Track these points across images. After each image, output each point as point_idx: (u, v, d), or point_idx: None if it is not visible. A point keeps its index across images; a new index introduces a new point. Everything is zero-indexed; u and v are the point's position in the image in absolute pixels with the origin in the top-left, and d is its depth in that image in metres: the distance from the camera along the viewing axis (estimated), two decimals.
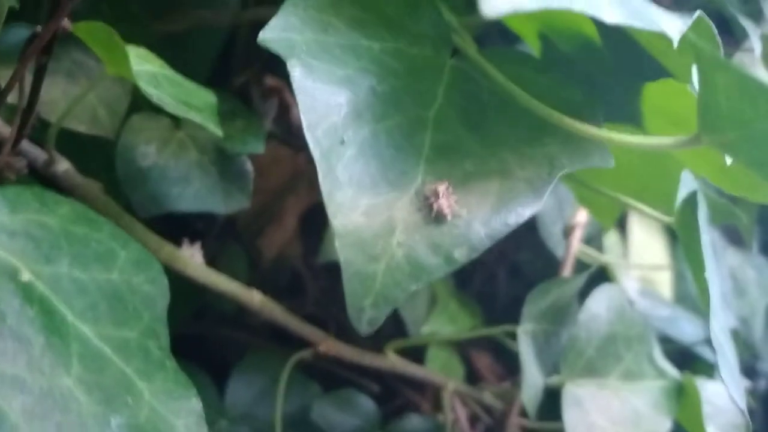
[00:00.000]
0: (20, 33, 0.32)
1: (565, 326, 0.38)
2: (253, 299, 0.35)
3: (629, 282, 0.52)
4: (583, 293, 0.43)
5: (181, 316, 0.50)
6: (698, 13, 0.23)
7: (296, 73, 0.20)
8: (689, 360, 0.59)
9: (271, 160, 0.59)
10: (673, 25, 0.21)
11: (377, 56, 0.21)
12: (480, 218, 0.20)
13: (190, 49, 0.52)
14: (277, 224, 0.61)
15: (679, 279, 0.60)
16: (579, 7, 0.18)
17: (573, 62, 0.28)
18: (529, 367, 0.35)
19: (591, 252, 0.49)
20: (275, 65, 0.58)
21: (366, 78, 0.21)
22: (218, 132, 0.28)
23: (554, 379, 0.38)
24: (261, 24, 0.23)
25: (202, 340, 0.56)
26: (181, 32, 0.48)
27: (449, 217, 0.20)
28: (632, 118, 0.28)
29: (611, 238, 0.53)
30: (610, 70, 0.28)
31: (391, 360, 0.41)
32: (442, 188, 0.20)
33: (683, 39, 0.21)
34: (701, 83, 0.20)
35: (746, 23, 0.49)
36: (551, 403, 0.42)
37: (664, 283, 0.59)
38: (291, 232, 0.62)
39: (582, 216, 0.47)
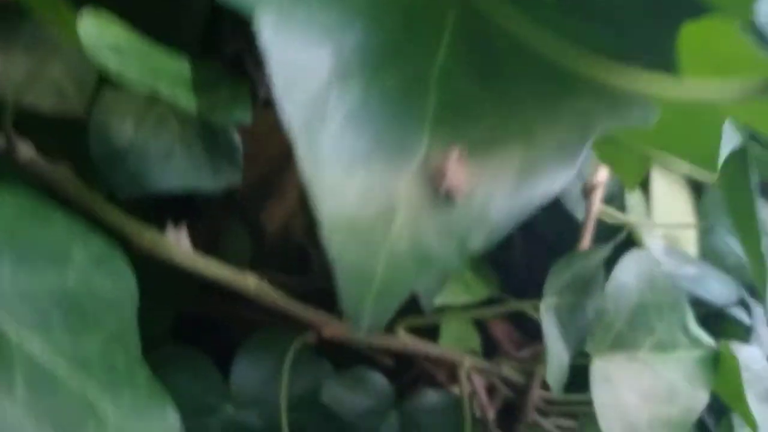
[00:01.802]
0: None
1: (591, 298, 0.35)
2: (247, 284, 0.32)
3: (654, 241, 0.49)
4: (608, 258, 0.40)
5: (183, 296, 0.48)
6: None
7: (266, 28, 0.16)
8: (717, 320, 0.56)
9: (269, 129, 0.56)
10: None
11: (365, 1, 0.17)
12: (500, 194, 0.16)
13: (173, 17, 0.48)
14: (278, 197, 0.59)
15: (703, 235, 0.57)
16: None
17: (595, 3, 0.24)
18: (553, 345, 0.32)
19: (613, 212, 0.46)
20: None
21: (353, 28, 0.17)
22: (191, 106, 0.24)
23: (581, 356, 0.35)
24: None
25: (207, 320, 0.54)
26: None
27: (462, 192, 0.17)
28: (667, 65, 0.24)
29: (634, 197, 0.50)
30: (640, 9, 0.24)
31: (403, 339, 0.38)
32: (452, 157, 0.17)
33: None
34: None
35: None
36: (574, 374, 0.39)
37: (689, 240, 0.56)
38: (294, 204, 0.59)
39: (603, 174, 0.43)
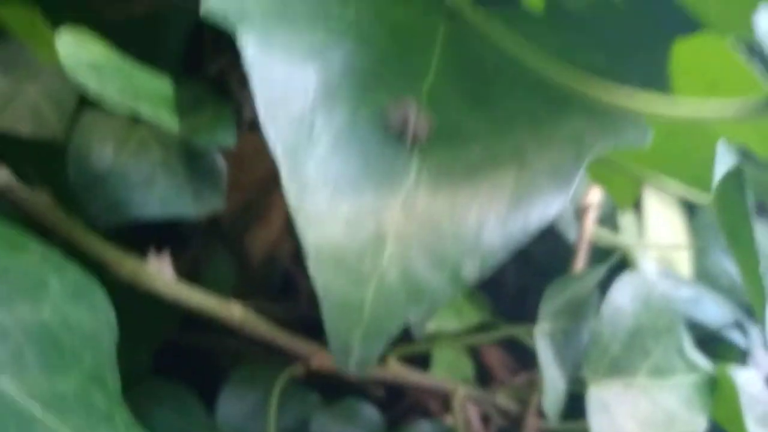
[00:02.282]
0: None
1: (586, 322, 0.34)
2: (232, 314, 0.31)
3: (648, 263, 0.48)
4: (601, 281, 0.39)
5: (165, 328, 0.47)
6: None
7: (249, 46, 0.15)
8: (713, 343, 0.55)
9: (253, 152, 0.55)
10: None
11: (352, 19, 0.17)
12: (493, 219, 0.16)
13: (154, 36, 0.47)
14: (263, 222, 0.57)
15: (697, 256, 0.56)
16: None
17: (584, 21, 0.24)
18: (549, 371, 0.31)
19: (606, 234, 0.45)
20: None
21: (340, 48, 0.16)
22: (173, 127, 0.24)
23: (576, 381, 0.34)
24: None
25: (191, 352, 0.52)
26: (143, 17, 0.44)
27: (424, 141, 0.16)
28: (659, 82, 0.23)
29: (626, 218, 0.49)
30: (629, 28, 0.23)
31: (394, 369, 0.37)
32: (412, 108, 0.17)
33: None
34: None
35: None
36: (568, 401, 0.38)
37: (683, 261, 0.55)
38: (279, 229, 0.58)
39: (596, 195, 0.43)
